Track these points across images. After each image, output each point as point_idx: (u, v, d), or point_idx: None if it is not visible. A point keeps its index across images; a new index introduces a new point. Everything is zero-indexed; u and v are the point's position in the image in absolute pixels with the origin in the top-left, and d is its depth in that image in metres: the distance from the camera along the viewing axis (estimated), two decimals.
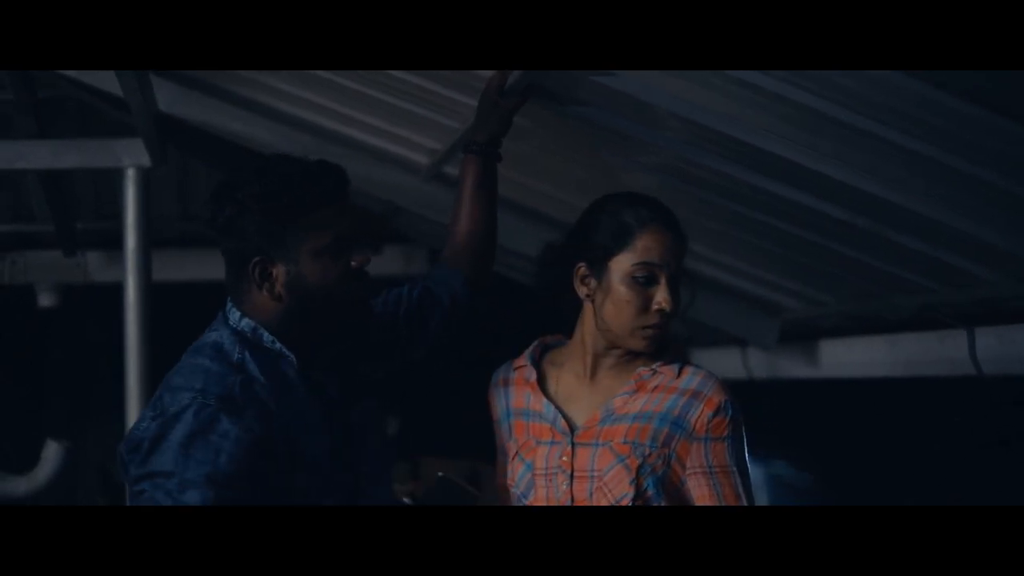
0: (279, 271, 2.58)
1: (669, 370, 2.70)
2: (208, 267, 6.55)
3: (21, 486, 7.33)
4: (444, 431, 6.98)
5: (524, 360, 2.82)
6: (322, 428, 2.59)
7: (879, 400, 5.30)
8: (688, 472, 2.64)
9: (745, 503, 2.65)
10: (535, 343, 2.85)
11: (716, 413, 2.64)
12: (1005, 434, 4.91)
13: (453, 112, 4.00)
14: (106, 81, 4.87)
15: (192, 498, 2.40)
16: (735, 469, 2.65)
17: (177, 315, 6.07)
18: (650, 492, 2.61)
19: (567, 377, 2.76)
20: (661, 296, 2.63)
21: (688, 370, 2.70)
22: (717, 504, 2.63)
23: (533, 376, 2.77)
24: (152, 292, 5.04)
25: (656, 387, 2.68)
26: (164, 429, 2.46)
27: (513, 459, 2.74)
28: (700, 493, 2.64)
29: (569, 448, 2.66)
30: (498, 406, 2.84)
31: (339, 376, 2.68)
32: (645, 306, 2.64)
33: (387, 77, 3.92)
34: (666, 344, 2.72)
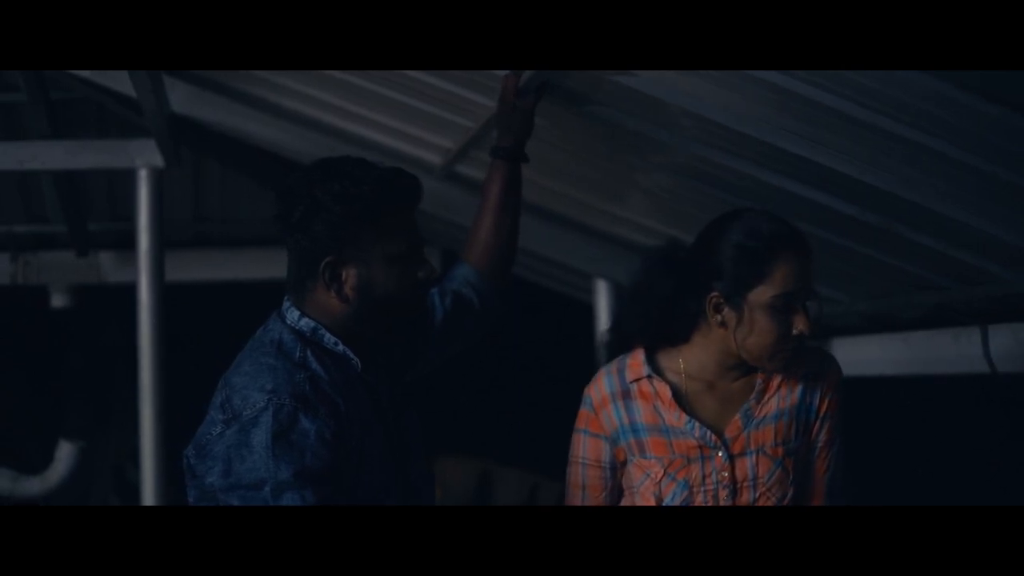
0: (350, 273, 2.55)
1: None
2: (222, 268, 6.59)
3: (35, 486, 7.36)
4: (453, 431, 7.00)
5: (641, 372, 2.77)
6: (380, 430, 2.59)
7: (893, 398, 5.30)
8: (812, 447, 2.79)
9: (837, 472, 2.81)
10: (640, 352, 2.79)
11: (836, 391, 2.79)
12: (1019, 432, 4.91)
13: (467, 111, 4.00)
14: (119, 82, 4.88)
15: (291, 500, 2.38)
16: (839, 438, 2.80)
17: (190, 316, 6.10)
18: (799, 484, 2.74)
19: (693, 385, 2.75)
20: (801, 323, 2.66)
21: (803, 355, 2.76)
22: (826, 475, 2.79)
23: (665, 390, 2.74)
24: (165, 293, 5.04)
25: (782, 381, 2.75)
26: (244, 435, 2.42)
27: (661, 479, 2.71)
28: (819, 467, 2.79)
29: (727, 462, 2.70)
30: (613, 420, 2.78)
31: (388, 381, 2.68)
32: (786, 332, 2.67)
33: (400, 76, 3.93)
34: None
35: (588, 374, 2.89)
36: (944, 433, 5.69)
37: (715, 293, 2.68)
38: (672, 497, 2.70)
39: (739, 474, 2.69)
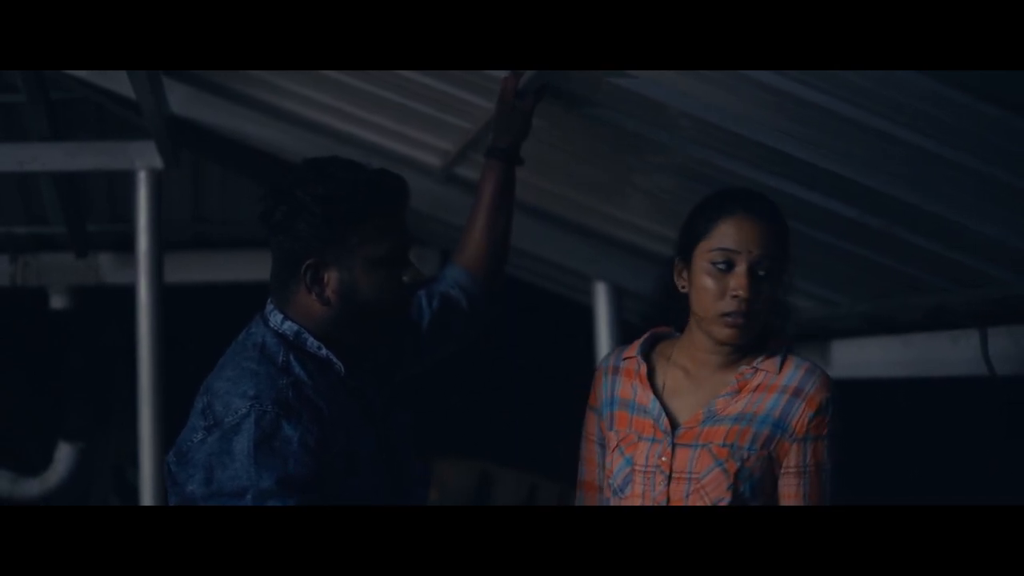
0: (331, 276, 2.53)
1: (771, 365, 2.66)
2: (221, 269, 6.60)
3: (34, 488, 7.37)
4: (450, 432, 7.00)
5: (635, 351, 2.76)
6: (368, 432, 2.58)
7: (892, 400, 5.30)
8: (783, 471, 2.64)
9: (826, 501, 2.64)
10: (647, 334, 2.79)
11: (817, 412, 2.62)
12: (1017, 433, 4.91)
13: (465, 113, 4.00)
14: (118, 83, 4.88)
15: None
16: (828, 467, 2.64)
17: (189, 317, 6.10)
18: (747, 495, 2.61)
19: (675, 372, 2.72)
20: (735, 282, 2.58)
21: (790, 364, 2.67)
22: (799, 503, 2.63)
23: (643, 369, 2.73)
24: (164, 294, 5.04)
25: (758, 386, 2.65)
26: (225, 442, 2.39)
27: (613, 451, 2.72)
28: (787, 492, 2.64)
29: (669, 448, 2.64)
30: (602, 393, 2.79)
31: (376, 384, 2.67)
32: (723, 293, 2.60)
33: (399, 78, 3.93)
34: (765, 337, 2.68)
35: (586, 375, 2.89)
36: (943, 435, 5.70)
37: (677, 258, 2.69)
38: (618, 471, 2.68)
39: (677, 464, 2.62)
